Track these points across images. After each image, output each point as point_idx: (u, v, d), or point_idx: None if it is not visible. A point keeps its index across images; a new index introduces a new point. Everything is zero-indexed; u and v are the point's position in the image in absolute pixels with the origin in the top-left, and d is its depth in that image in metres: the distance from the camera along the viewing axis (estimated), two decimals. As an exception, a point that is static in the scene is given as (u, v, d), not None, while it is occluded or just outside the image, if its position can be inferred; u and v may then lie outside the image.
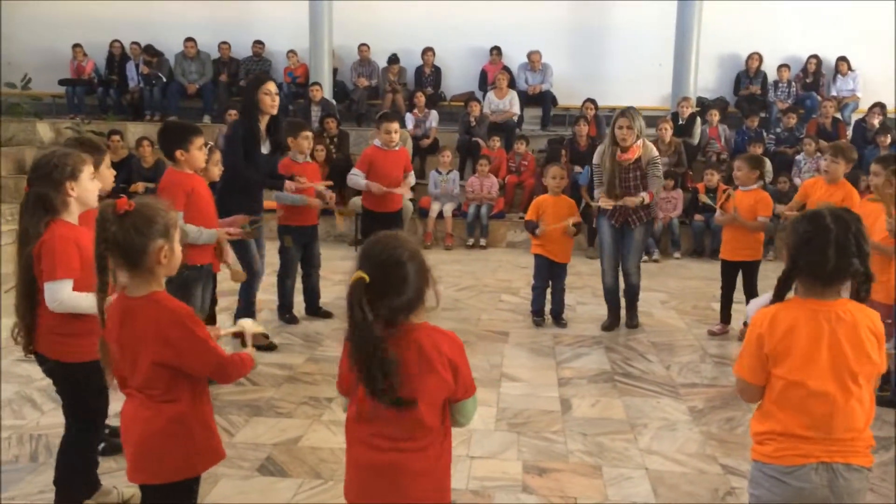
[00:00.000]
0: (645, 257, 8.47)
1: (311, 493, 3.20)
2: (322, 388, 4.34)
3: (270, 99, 4.82)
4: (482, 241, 9.12)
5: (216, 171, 4.49)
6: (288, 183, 5.14)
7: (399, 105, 11.35)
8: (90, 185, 2.76)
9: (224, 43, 12.17)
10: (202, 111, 11.83)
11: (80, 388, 2.78)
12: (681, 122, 10.25)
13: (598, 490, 3.25)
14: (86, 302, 2.55)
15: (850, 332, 2.00)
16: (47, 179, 2.64)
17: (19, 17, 12.51)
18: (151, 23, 12.30)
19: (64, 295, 2.60)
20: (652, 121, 10.05)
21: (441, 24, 12.16)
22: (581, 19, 12.20)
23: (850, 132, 10.27)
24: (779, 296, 2.08)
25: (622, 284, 5.62)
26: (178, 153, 3.95)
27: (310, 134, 5.57)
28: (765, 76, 11.60)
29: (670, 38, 11.19)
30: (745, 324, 2.19)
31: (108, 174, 3.28)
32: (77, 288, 2.62)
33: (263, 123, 4.93)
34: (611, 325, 5.61)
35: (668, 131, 9.51)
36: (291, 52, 11.95)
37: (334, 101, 11.45)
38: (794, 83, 11.39)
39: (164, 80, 11.83)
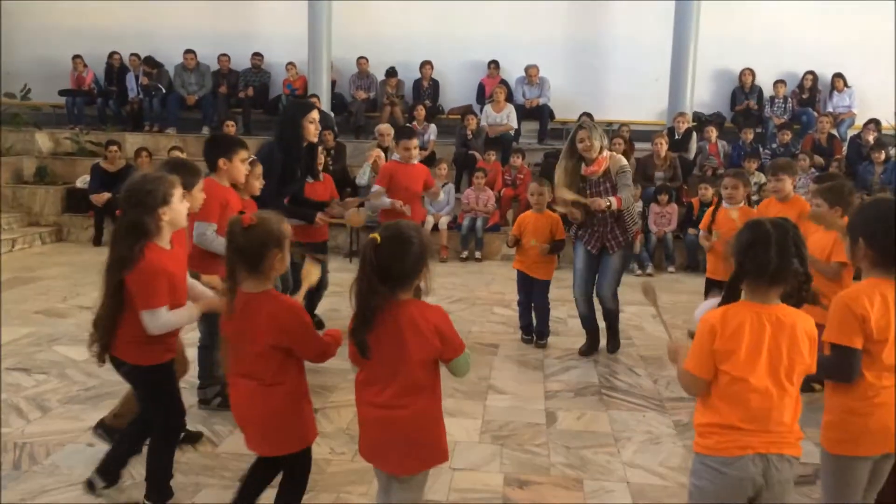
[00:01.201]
0: (639, 271, 8.52)
1: (292, 503, 3.19)
2: (312, 398, 4.33)
3: (315, 127, 4.79)
4: (477, 254, 9.14)
5: (257, 185, 4.39)
6: (320, 216, 5.06)
7: (397, 118, 11.41)
8: (180, 208, 2.94)
9: (223, 55, 12.26)
10: (201, 122, 11.92)
11: (155, 388, 3.02)
12: (677, 136, 10.30)
13: (579, 502, 3.25)
14: (178, 318, 2.91)
15: (789, 333, 2.17)
16: (141, 206, 2.80)
17: (20, 27, 12.63)
18: (151, 34, 12.42)
19: (162, 320, 2.85)
20: (648, 135, 10.14)
21: (439, 37, 12.25)
22: (579, 34, 12.29)
23: (845, 148, 10.31)
24: (727, 299, 2.25)
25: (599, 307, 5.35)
26: (220, 161, 4.02)
27: (412, 143, 5.66)
28: (760, 91, 11.65)
29: (667, 53, 11.27)
30: (691, 333, 2.31)
31: (200, 196, 3.45)
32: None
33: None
34: (588, 349, 5.36)
35: (663, 146, 9.56)
36: (290, 64, 12.03)
37: (332, 114, 11.52)
38: (790, 99, 11.45)
39: (164, 91, 11.90)
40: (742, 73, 11.70)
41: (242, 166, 4.09)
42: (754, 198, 6.27)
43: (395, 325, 2.35)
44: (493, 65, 12.10)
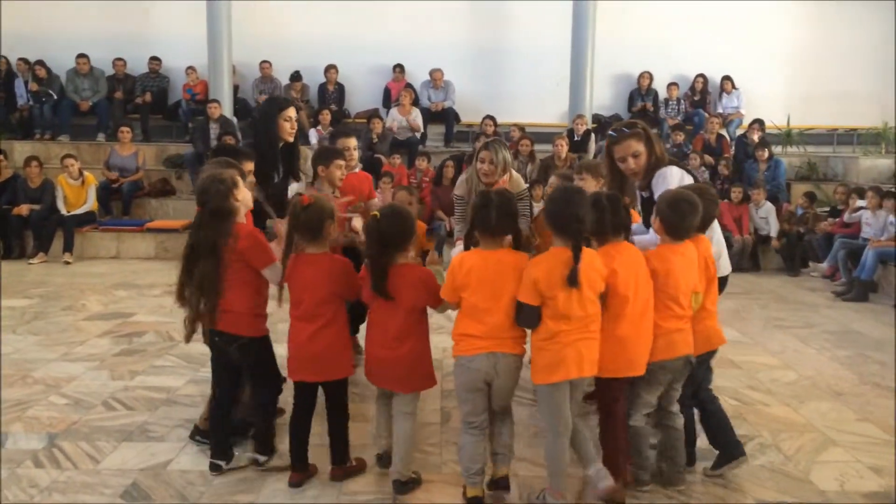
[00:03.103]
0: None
1: (175, 516, 3.15)
2: (200, 410, 4.22)
3: (290, 126, 4.49)
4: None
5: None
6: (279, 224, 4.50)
7: (303, 122, 11.29)
8: (246, 191, 3.45)
9: (119, 59, 11.88)
10: (96, 129, 11.50)
11: (265, 356, 3.46)
12: (576, 138, 10.59)
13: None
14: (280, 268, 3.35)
15: (506, 270, 3.06)
16: (217, 195, 3.24)
17: None
18: (40, 38, 11.92)
19: (279, 271, 3.33)
20: (550, 137, 10.39)
21: (344, 41, 12.22)
22: (481, 39, 12.47)
23: (733, 147, 10.83)
24: (466, 247, 3.25)
25: None
26: (319, 169, 4.47)
27: (342, 163, 4.62)
28: (656, 94, 12.11)
29: (567, 56, 11.56)
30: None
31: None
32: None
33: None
34: None
35: (564, 147, 9.80)
36: (190, 68, 11.76)
37: (235, 119, 11.32)
38: (682, 101, 11.94)
39: (55, 97, 11.43)
40: (641, 75, 12.14)
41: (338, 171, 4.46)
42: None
43: (394, 281, 3.17)
44: (399, 68, 12.14)
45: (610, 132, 3.87)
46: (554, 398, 3.06)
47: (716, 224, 3.66)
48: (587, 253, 3.01)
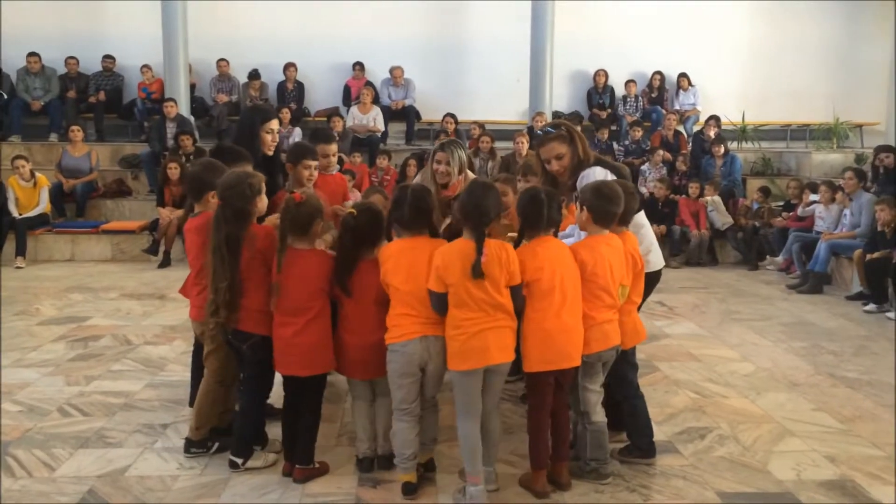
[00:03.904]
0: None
1: (134, 523, 3.08)
2: (159, 414, 4.19)
3: (272, 138, 4.28)
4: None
5: None
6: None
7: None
8: (264, 200, 3.47)
9: (71, 57, 11.61)
10: (48, 129, 11.23)
11: (270, 355, 3.41)
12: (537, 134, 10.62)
13: (431, 497, 3.31)
14: None
15: (423, 255, 3.15)
16: (243, 197, 3.30)
17: None
18: (-11, 36, 11.56)
19: None
20: (510, 134, 10.43)
21: (302, 39, 12.12)
22: (441, 36, 12.46)
23: (690, 143, 10.99)
24: (388, 239, 3.36)
25: None
26: (287, 167, 4.35)
27: (312, 163, 4.33)
28: (612, 91, 12.24)
29: (526, 54, 11.61)
30: None
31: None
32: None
33: None
34: None
35: (524, 145, 9.82)
36: (146, 66, 11.54)
37: (192, 118, 11.15)
38: (640, 97, 12.08)
39: (6, 96, 11.14)
40: (596, 73, 12.26)
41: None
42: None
43: (363, 276, 3.30)
44: (359, 66, 12.08)
45: (538, 131, 3.91)
46: (464, 384, 3.14)
47: (644, 220, 3.74)
48: (491, 244, 3.08)
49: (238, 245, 3.29)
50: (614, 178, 3.64)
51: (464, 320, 3.08)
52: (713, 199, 9.49)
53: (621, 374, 3.58)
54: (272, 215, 3.69)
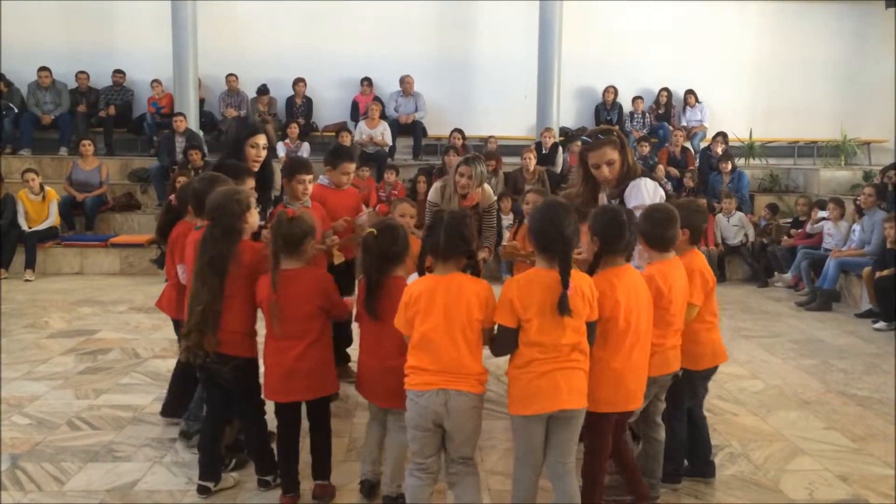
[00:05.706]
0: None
1: (144, 538, 3.08)
2: (168, 428, 4.18)
3: (256, 153, 4.16)
4: (353, 271, 9.10)
5: None
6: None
7: (270, 136, 11.18)
8: (256, 215, 3.42)
9: (82, 72, 11.69)
10: (58, 143, 11.30)
11: (254, 377, 3.37)
12: (544, 151, 10.66)
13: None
14: None
15: (463, 297, 2.78)
16: (231, 214, 3.22)
17: None
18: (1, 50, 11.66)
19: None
20: (518, 150, 10.45)
21: (311, 54, 12.19)
22: (449, 52, 12.51)
23: (697, 160, 11.00)
24: (420, 272, 2.99)
25: None
26: (283, 182, 4.41)
27: (307, 177, 4.41)
28: (620, 108, 12.27)
29: (534, 70, 11.66)
30: None
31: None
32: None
33: None
34: None
35: (532, 160, 9.87)
36: (155, 81, 11.62)
37: (201, 132, 11.21)
38: (648, 114, 12.11)
39: (16, 110, 11.22)
40: (606, 90, 12.29)
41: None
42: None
43: (388, 295, 3.07)
44: (367, 82, 12.13)
45: (584, 138, 3.88)
46: (526, 430, 2.81)
47: None
48: (576, 276, 2.74)
49: (224, 264, 3.19)
50: (662, 192, 3.61)
51: (532, 360, 2.73)
52: (736, 214, 9.48)
53: (698, 395, 3.54)
54: (266, 230, 3.69)
